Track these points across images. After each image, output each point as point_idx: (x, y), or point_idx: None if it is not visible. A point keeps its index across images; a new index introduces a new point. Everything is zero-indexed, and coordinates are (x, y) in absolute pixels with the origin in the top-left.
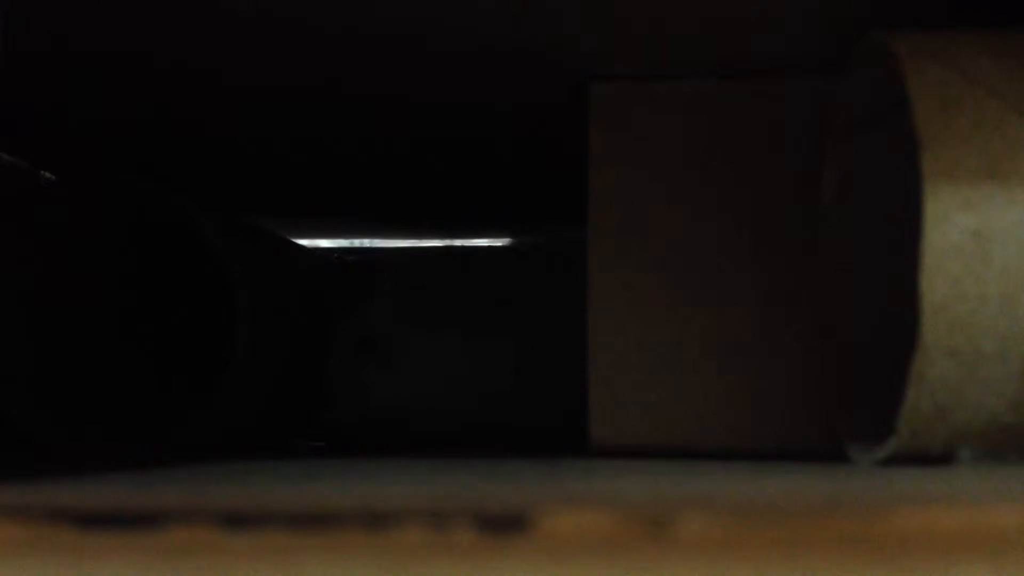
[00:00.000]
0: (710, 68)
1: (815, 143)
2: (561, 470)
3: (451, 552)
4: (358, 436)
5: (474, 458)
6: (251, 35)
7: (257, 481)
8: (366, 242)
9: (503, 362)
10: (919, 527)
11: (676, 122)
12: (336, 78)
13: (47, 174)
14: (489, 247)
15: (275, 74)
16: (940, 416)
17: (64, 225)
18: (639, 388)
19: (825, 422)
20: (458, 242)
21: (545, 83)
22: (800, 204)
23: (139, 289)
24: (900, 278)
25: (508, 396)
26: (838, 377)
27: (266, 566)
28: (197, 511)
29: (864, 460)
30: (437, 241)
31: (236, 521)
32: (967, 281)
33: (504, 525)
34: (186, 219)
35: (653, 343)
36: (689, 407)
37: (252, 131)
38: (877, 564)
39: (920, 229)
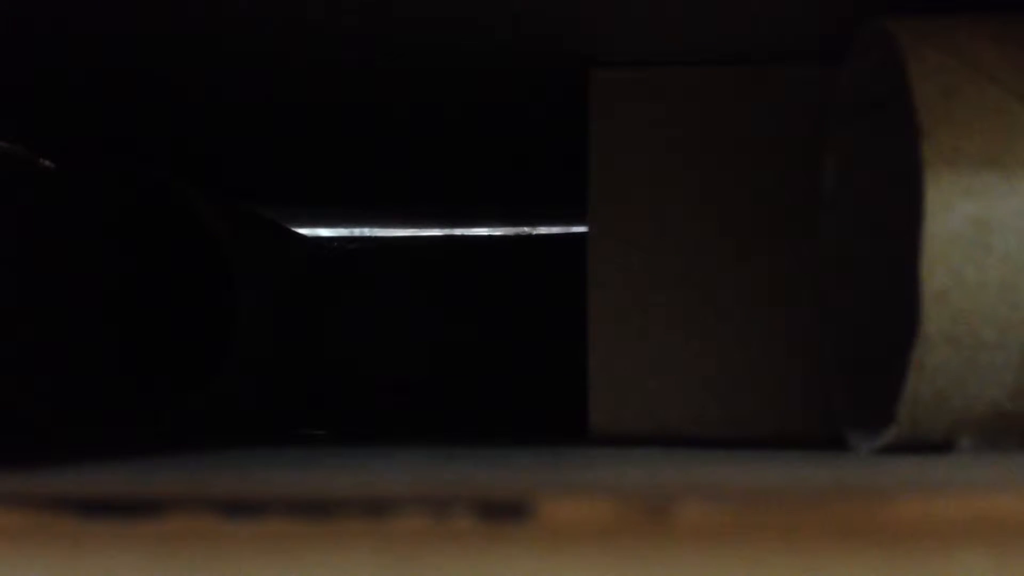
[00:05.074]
0: (711, 55)
1: (816, 130)
2: (561, 458)
3: (451, 539)
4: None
5: (474, 446)
6: (254, 20)
7: (257, 469)
8: (366, 231)
9: (501, 350)
10: (920, 515)
11: (677, 109)
12: (336, 65)
13: (45, 161)
14: (488, 236)
15: (278, 57)
16: (940, 404)
17: (63, 211)
18: (639, 376)
19: (825, 410)
20: (458, 231)
21: (545, 70)
22: (801, 191)
23: (137, 273)
24: (900, 266)
25: (508, 384)
26: (838, 365)
27: (266, 553)
28: (197, 499)
29: (864, 448)
30: (437, 231)
31: (236, 509)
32: (968, 269)
33: (504, 512)
34: (185, 204)
35: (653, 330)
36: (689, 395)
37: (254, 119)
38: (877, 552)
39: (920, 217)
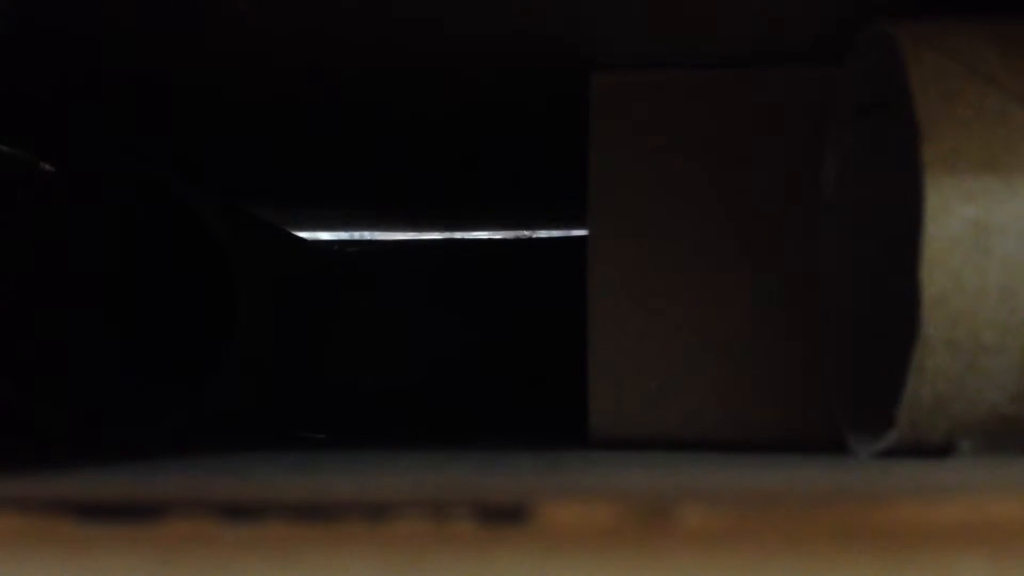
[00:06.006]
0: (711, 56)
1: (816, 132)
2: (561, 461)
3: (451, 543)
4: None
5: (474, 449)
6: (254, 20)
7: (257, 472)
8: (366, 234)
9: (501, 353)
10: (919, 518)
11: (677, 111)
12: (336, 66)
13: (46, 165)
14: (488, 239)
15: (278, 58)
16: (940, 407)
17: (63, 211)
18: (639, 379)
19: (825, 413)
20: (458, 234)
21: (545, 70)
22: (801, 193)
23: (138, 274)
24: (900, 268)
25: (508, 387)
26: (838, 368)
27: (266, 557)
28: (197, 502)
29: (864, 451)
30: (437, 234)
31: (236, 512)
32: (967, 272)
33: (504, 516)
34: (185, 204)
35: (653, 333)
36: (689, 398)
37: (255, 120)
38: (877, 555)
39: (920, 220)
